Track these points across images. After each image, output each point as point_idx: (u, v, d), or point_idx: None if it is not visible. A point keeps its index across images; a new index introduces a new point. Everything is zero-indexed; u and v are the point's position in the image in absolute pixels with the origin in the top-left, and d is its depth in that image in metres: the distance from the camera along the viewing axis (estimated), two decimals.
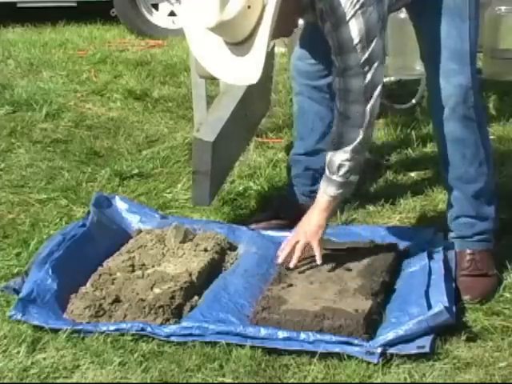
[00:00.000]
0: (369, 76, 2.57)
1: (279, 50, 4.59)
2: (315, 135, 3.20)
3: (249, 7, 2.42)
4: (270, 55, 3.36)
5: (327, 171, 2.74)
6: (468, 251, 2.86)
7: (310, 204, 3.26)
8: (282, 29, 2.54)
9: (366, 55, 2.55)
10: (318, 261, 2.74)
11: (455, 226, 2.91)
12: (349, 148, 2.66)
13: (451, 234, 2.93)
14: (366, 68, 2.56)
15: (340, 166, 2.69)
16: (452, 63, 2.74)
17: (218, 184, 3.18)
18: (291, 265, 2.75)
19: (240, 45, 2.49)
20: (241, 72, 2.52)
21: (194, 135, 2.97)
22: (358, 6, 2.50)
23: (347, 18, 2.51)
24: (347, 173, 2.70)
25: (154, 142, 4.19)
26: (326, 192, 2.75)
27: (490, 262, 2.86)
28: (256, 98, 3.24)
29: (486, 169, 2.85)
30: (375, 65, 2.57)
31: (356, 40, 2.52)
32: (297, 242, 2.76)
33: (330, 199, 2.75)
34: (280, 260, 2.79)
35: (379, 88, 2.61)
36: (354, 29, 2.51)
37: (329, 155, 2.72)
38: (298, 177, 3.29)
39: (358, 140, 2.65)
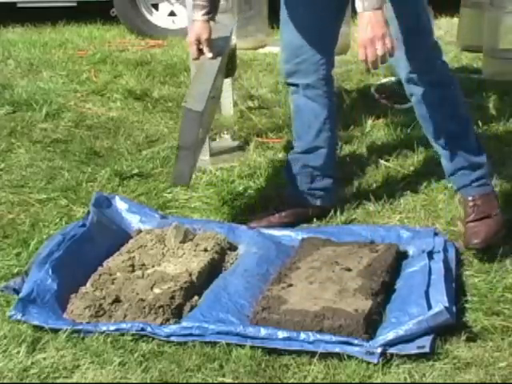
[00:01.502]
0: None
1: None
2: (312, 132, 3.24)
3: None
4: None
5: None
6: (469, 198, 3.03)
7: (310, 203, 3.28)
8: None
9: None
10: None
11: (454, 180, 3.09)
12: None
13: (454, 188, 3.15)
14: None
15: None
16: (411, 37, 2.86)
17: (195, 162, 3.15)
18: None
19: None
20: None
21: (184, 105, 2.95)
22: None
23: None
24: None
25: (154, 142, 4.19)
26: (369, 8, 2.59)
27: (492, 203, 3.02)
28: (223, 72, 3.33)
29: (466, 124, 3.04)
30: None
31: None
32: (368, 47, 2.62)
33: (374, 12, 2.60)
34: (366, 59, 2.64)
35: None
36: None
37: None
38: (297, 175, 3.30)
39: None
